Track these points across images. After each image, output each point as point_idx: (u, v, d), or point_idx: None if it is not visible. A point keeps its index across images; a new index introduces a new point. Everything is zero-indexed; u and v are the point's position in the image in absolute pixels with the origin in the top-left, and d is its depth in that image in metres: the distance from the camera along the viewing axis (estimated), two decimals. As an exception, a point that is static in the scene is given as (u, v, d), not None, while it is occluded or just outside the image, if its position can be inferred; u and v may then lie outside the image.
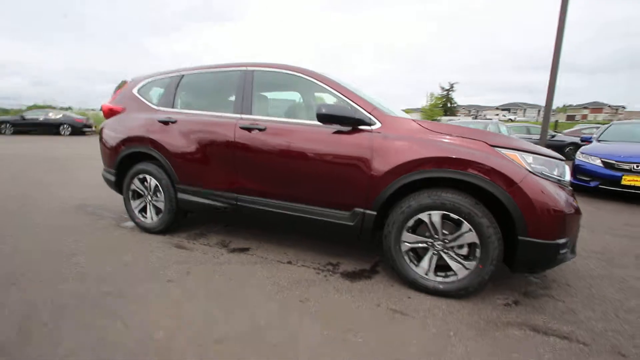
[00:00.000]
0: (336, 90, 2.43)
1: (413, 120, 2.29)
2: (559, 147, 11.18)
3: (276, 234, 3.17)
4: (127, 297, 2.03)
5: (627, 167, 5.15)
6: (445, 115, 42.82)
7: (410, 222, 2.13)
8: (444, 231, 2.08)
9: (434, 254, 2.12)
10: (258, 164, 2.55)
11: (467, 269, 2.04)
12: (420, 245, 2.15)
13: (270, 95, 3.10)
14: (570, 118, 69.03)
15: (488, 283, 2.10)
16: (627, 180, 5.09)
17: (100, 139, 3.39)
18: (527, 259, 1.97)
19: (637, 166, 5.05)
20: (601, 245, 3.19)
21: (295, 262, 2.60)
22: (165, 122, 2.93)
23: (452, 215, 2.02)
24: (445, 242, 2.08)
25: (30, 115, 17.32)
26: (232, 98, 2.82)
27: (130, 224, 3.37)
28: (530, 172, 1.93)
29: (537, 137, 9.74)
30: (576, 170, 5.70)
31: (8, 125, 16.64)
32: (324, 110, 2.22)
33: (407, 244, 2.17)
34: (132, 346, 1.60)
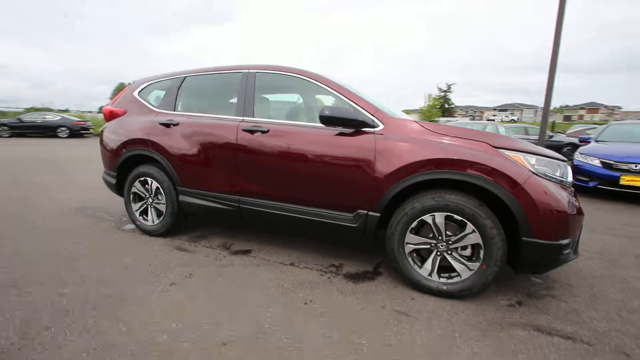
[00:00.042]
0: (338, 92, 2.44)
1: (415, 121, 2.29)
2: (556, 148, 11.24)
3: (278, 235, 3.17)
4: (129, 300, 2.02)
5: (625, 167, 5.18)
6: (443, 116, 42.95)
7: (414, 224, 2.13)
8: (448, 232, 2.08)
9: (437, 255, 2.12)
10: (260, 166, 2.55)
11: (470, 270, 2.05)
12: (423, 246, 2.16)
13: (271, 97, 3.10)
14: (567, 118, 69.43)
15: (491, 284, 2.10)
16: (626, 180, 5.12)
17: (101, 142, 3.38)
18: (531, 259, 1.97)
19: (636, 166, 5.08)
20: (601, 246, 3.21)
21: (298, 263, 2.60)
22: (167, 125, 2.93)
23: (455, 216, 2.02)
24: (448, 244, 2.09)
25: (27, 118, 17.23)
26: (234, 100, 2.82)
27: (131, 226, 3.36)
28: (533, 173, 1.94)
29: (535, 137, 9.80)
30: (575, 170, 5.73)
31: (5, 128, 16.55)
32: (326, 113, 2.22)
33: (411, 245, 2.17)
34: (136, 350, 1.59)
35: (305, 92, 3.06)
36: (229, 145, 2.63)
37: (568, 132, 14.82)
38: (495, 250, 1.96)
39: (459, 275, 2.09)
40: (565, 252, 1.98)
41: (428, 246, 2.15)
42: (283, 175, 2.49)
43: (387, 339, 1.71)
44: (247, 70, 2.78)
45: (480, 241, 1.99)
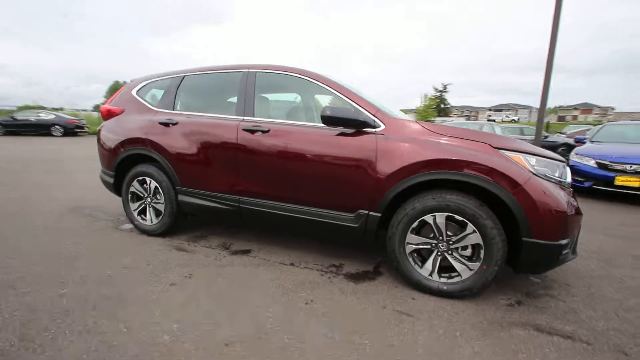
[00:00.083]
0: (340, 93, 2.44)
1: (416, 122, 2.30)
2: (551, 148, 11.32)
3: (277, 235, 3.16)
4: (129, 300, 2.01)
5: (620, 168, 5.24)
6: (439, 116, 43.16)
7: (415, 224, 2.14)
8: (448, 232, 2.09)
9: (438, 255, 2.13)
10: (261, 166, 2.54)
11: (471, 270, 2.06)
12: (424, 246, 2.17)
13: (272, 97, 3.09)
14: (561, 119, 70.08)
15: (491, 284, 2.12)
16: (621, 180, 5.18)
17: (98, 141, 3.35)
18: (531, 260, 1.99)
19: (630, 167, 5.14)
20: (597, 245, 3.24)
21: (298, 263, 2.60)
22: (166, 124, 2.91)
23: (456, 216, 2.03)
24: (449, 244, 2.10)
25: (21, 116, 17.03)
26: (234, 100, 2.81)
27: (129, 226, 3.33)
28: (533, 174, 1.96)
29: (531, 137, 9.87)
30: (570, 170, 5.77)
31: (-1, 126, 16.37)
32: (328, 113, 2.22)
33: (412, 245, 2.18)
34: (136, 350, 1.58)
35: (305, 92, 3.06)
36: (229, 145, 2.62)
37: (568, 132, 14.93)
38: (496, 250, 1.98)
39: (459, 275, 2.10)
40: (565, 252, 2.00)
41: (429, 246, 2.16)
42: (284, 175, 2.48)
43: (389, 339, 1.72)
44: (247, 70, 2.77)
45: (480, 241, 2.00)
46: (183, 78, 3.07)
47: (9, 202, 4.16)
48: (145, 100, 3.20)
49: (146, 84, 3.28)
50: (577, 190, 5.62)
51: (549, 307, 2.08)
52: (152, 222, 3.10)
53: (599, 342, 1.74)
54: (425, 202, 2.09)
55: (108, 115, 3.34)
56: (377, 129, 2.25)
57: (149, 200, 3.09)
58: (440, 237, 2.11)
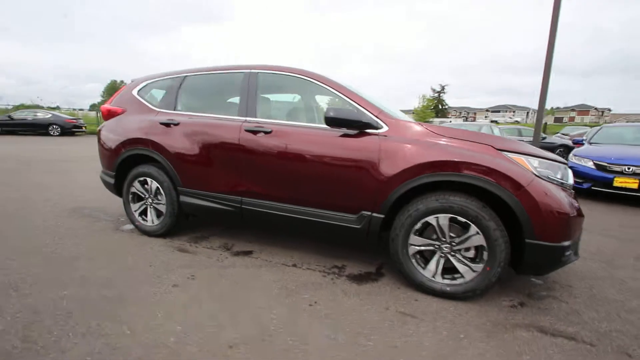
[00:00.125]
0: (342, 94, 2.44)
1: (419, 123, 2.31)
2: (549, 149, 11.38)
3: (278, 236, 3.16)
4: (132, 301, 2.00)
5: (618, 170, 5.27)
6: (437, 117, 43.27)
7: (418, 225, 2.14)
8: (451, 234, 2.10)
9: (441, 256, 2.14)
10: (264, 167, 2.54)
11: (474, 271, 2.07)
12: (427, 248, 2.17)
13: (274, 97, 3.09)
14: (558, 120, 70.40)
15: (494, 285, 2.12)
16: (619, 182, 5.21)
17: (99, 141, 3.33)
18: (534, 261, 2.00)
19: (629, 168, 5.17)
20: (597, 247, 3.26)
21: (300, 265, 2.60)
22: (168, 124, 2.90)
23: (459, 218, 2.04)
24: (452, 245, 2.10)
25: (18, 115, 16.92)
26: (236, 100, 2.80)
27: (129, 227, 3.32)
28: (536, 175, 1.96)
29: (529, 138, 9.92)
30: (570, 172, 5.80)
31: (-5, 125, 16.25)
32: (331, 114, 2.22)
33: (415, 247, 2.18)
34: (141, 352, 1.58)
35: (307, 93, 3.05)
36: (232, 146, 2.62)
37: (571, 134, 14.99)
38: (499, 251, 1.98)
39: (462, 276, 2.10)
40: (567, 253, 2.01)
41: (432, 248, 2.16)
42: (286, 176, 2.48)
43: (394, 341, 1.72)
44: (249, 70, 2.76)
45: (483, 243, 2.01)
46: (184, 78, 3.06)
47: (8, 202, 4.13)
48: (146, 101, 3.19)
49: (147, 84, 3.27)
50: (576, 191, 5.63)
51: (552, 309, 2.09)
52: (153, 222, 3.09)
53: (602, 344, 1.75)
54: (429, 204, 2.09)
55: (109, 115, 3.32)
56: (380, 131, 2.25)
57: (150, 200, 3.08)
58: (444, 239, 2.12)
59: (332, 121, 2.25)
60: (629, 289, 2.41)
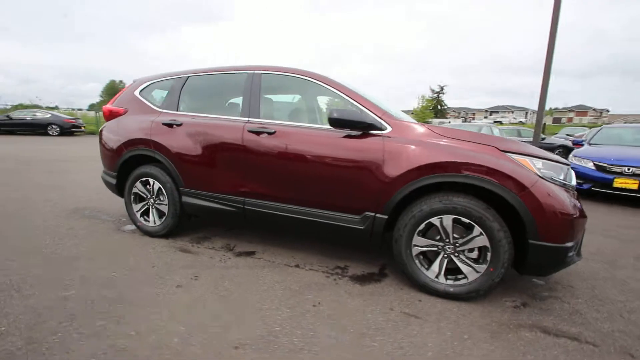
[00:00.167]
0: (346, 95, 2.44)
1: (422, 124, 2.31)
2: (548, 150, 11.40)
3: (280, 237, 3.16)
4: (136, 302, 2.00)
5: (618, 170, 5.29)
6: (436, 117, 43.32)
7: (421, 226, 2.14)
8: (455, 235, 2.10)
9: (444, 257, 2.14)
10: (267, 168, 2.54)
11: (477, 272, 2.07)
12: (430, 248, 2.17)
13: (277, 98, 3.09)
14: (557, 121, 70.60)
15: (497, 286, 2.13)
16: (619, 182, 5.23)
17: (101, 141, 3.33)
18: (537, 262, 2.00)
19: (629, 169, 5.19)
20: (597, 247, 3.27)
21: (303, 265, 2.60)
22: (170, 125, 2.89)
23: (463, 219, 2.04)
24: (455, 246, 2.11)
25: (17, 115, 16.85)
26: (238, 101, 2.80)
27: (131, 227, 3.31)
28: (540, 177, 1.97)
29: (528, 139, 9.95)
30: (569, 173, 5.82)
31: (-6, 125, 16.18)
32: (335, 115, 2.22)
33: (418, 247, 2.18)
34: (146, 354, 1.57)
35: (311, 94, 3.06)
36: (235, 147, 2.62)
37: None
38: (502, 252, 1.99)
39: (465, 277, 2.11)
40: (570, 254, 2.02)
41: (435, 248, 2.16)
42: (289, 177, 2.48)
43: (399, 342, 1.72)
44: (252, 71, 2.76)
45: (487, 243, 2.01)
46: (187, 79, 3.06)
47: (8, 202, 4.12)
48: (148, 101, 3.18)
49: (149, 85, 3.26)
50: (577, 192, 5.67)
51: (554, 309, 2.10)
52: (155, 223, 3.09)
53: (605, 344, 1.76)
54: (432, 205, 2.09)
55: (110, 115, 3.32)
56: (383, 132, 2.26)
57: (152, 201, 3.07)
58: (447, 240, 2.12)
59: (336, 122, 2.25)
60: (630, 289, 2.42)
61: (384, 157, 2.19)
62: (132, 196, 3.15)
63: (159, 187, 2.99)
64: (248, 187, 2.63)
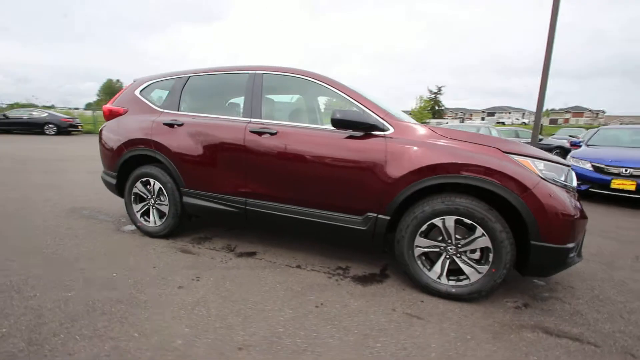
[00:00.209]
0: (348, 96, 2.44)
1: (425, 125, 2.32)
2: (545, 150, 11.47)
3: (280, 237, 3.16)
4: (138, 304, 1.99)
5: (616, 171, 5.33)
6: (434, 118, 43.42)
7: (424, 227, 2.15)
8: (457, 236, 2.11)
9: (446, 258, 2.15)
10: (269, 168, 2.54)
11: (479, 273, 2.08)
12: (433, 249, 2.18)
13: (279, 98, 3.09)
14: (554, 122, 70.98)
15: (499, 287, 2.13)
16: (616, 183, 5.27)
17: (100, 141, 3.31)
18: (539, 263, 2.01)
19: (626, 170, 5.23)
20: (596, 248, 3.29)
21: (304, 266, 2.60)
22: (171, 125, 2.88)
23: (465, 220, 2.05)
24: (458, 247, 2.11)
25: (13, 114, 16.74)
26: (240, 101, 2.80)
27: (131, 227, 3.30)
28: (542, 178, 1.98)
29: (526, 140, 10.00)
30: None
31: (-10, 124, 16.06)
32: (338, 116, 2.22)
33: (420, 248, 2.19)
34: (150, 355, 1.57)
35: (312, 94, 3.06)
36: (236, 147, 2.61)
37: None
38: (505, 253, 2.00)
39: (467, 278, 2.11)
40: (571, 255, 2.03)
41: (437, 249, 2.17)
42: (291, 178, 2.48)
43: (402, 343, 1.72)
44: (254, 71, 2.76)
45: (489, 244, 2.02)
46: (188, 79, 3.05)
47: (8, 202, 4.09)
48: (149, 101, 3.17)
49: (150, 84, 3.25)
50: (574, 193, 5.71)
51: (556, 310, 2.11)
52: (155, 223, 3.07)
53: (606, 345, 1.77)
54: (435, 206, 2.10)
55: (110, 115, 3.30)
56: (386, 132, 2.26)
57: (153, 201, 3.06)
58: (449, 240, 2.13)
59: (339, 123, 2.25)
60: (629, 290, 2.43)
61: (387, 158, 2.19)
62: (133, 196, 3.14)
63: (160, 188, 2.98)
64: (250, 188, 2.62)
